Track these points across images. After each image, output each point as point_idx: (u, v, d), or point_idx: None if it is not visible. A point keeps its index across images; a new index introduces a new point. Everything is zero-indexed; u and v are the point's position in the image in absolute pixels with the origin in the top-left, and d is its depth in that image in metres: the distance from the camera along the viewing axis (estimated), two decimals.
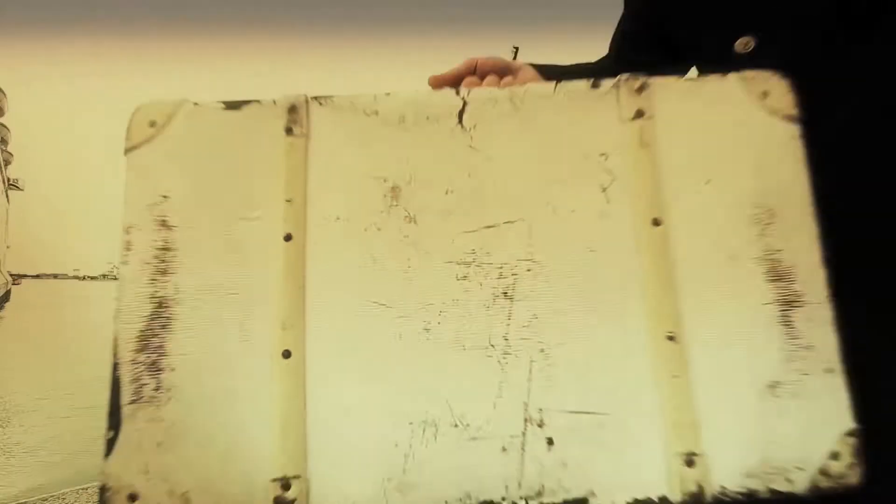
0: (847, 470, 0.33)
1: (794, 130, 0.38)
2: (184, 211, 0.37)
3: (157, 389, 0.34)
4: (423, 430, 0.33)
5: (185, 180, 0.37)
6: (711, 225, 0.36)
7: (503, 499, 0.32)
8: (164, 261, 0.36)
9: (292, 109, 0.38)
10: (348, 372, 0.34)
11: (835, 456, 0.33)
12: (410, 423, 0.33)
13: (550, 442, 0.33)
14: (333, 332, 0.35)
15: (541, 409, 0.33)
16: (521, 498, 0.32)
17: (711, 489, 0.32)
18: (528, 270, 0.35)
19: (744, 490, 0.33)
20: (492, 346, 0.34)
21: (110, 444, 0.33)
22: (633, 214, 0.36)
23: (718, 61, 0.54)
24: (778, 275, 0.35)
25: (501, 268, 0.36)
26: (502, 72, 0.54)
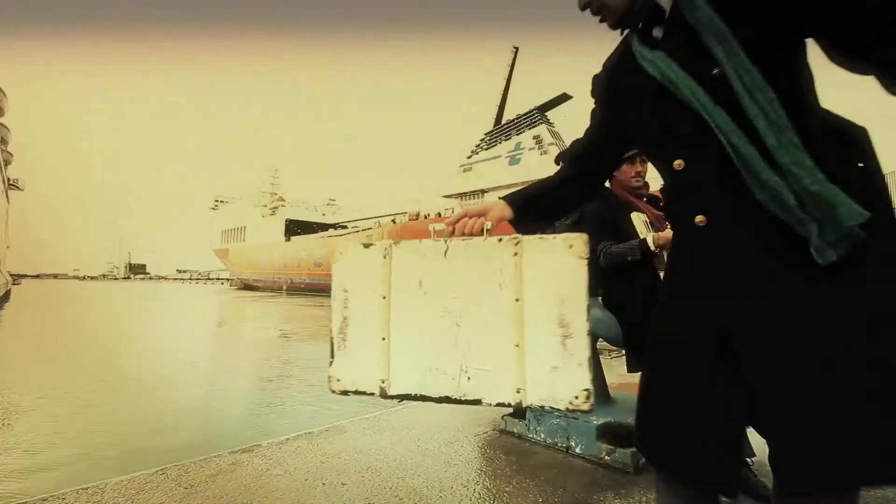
0: (581, 404, 0.83)
1: (582, 263, 0.87)
2: (353, 287, 0.99)
3: (344, 347, 0.97)
4: (425, 370, 0.91)
5: (353, 275, 0.99)
6: (540, 302, 0.88)
7: (452, 396, 0.90)
8: (346, 303, 0.98)
9: (387, 248, 0.97)
10: (404, 348, 0.94)
11: (577, 397, 0.83)
12: (420, 368, 0.92)
13: (469, 378, 0.89)
14: (399, 333, 0.94)
15: (467, 367, 0.89)
16: (457, 396, 0.89)
17: (526, 402, 0.85)
18: (468, 315, 0.91)
19: (539, 405, 0.85)
20: (452, 343, 0.91)
21: (331, 363, 0.98)
22: (510, 296, 0.89)
23: (665, 172, 0.88)
24: (564, 324, 0.86)
25: (459, 314, 0.91)
26: (481, 213, 0.99)
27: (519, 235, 0.92)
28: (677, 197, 0.86)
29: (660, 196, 2.20)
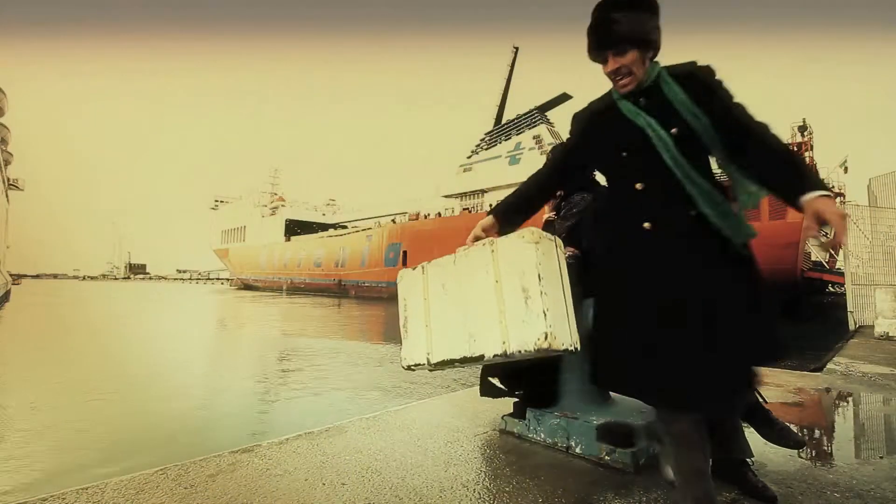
0: (542, 343, 1.26)
1: (531, 247, 1.29)
2: (408, 296, 1.74)
3: (407, 336, 1.73)
4: (451, 341, 1.51)
5: (407, 288, 1.76)
6: (510, 278, 1.30)
7: (466, 355, 1.49)
8: (406, 308, 1.76)
9: (423, 267, 1.66)
10: (438, 330, 1.58)
11: (538, 339, 1.27)
12: (448, 340, 1.56)
13: (475, 340, 1.43)
14: (435, 321, 1.62)
15: (472, 333, 1.42)
16: (469, 355, 1.47)
17: (509, 350, 1.35)
18: (471, 297, 1.40)
19: (516, 352, 1.33)
20: (463, 319, 1.42)
21: (402, 346, 1.74)
22: (492, 279, 1.34)
23: (623, 189, 1.24)
24: (524, 290, 1.27)
25: (465, 299, 1.41)
26: (482, 228, 1.44)
27: (493, 237, 1.39)
28: (631, 208, 1.20)
29: None
